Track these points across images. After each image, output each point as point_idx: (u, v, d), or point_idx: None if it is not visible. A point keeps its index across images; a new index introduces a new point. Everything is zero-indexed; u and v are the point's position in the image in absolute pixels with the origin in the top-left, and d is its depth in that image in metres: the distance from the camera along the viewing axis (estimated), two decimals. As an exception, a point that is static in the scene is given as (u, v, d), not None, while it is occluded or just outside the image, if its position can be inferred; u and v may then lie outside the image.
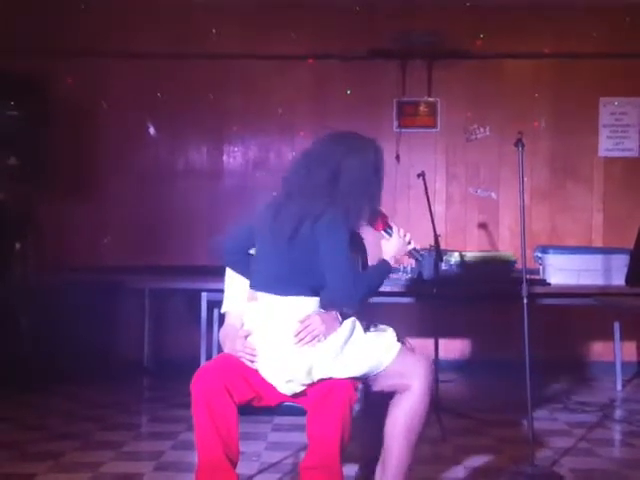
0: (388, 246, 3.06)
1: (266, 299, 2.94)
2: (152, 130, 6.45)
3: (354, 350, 2.88)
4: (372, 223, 3.04)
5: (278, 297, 2.90)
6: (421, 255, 3.23)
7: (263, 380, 2.99)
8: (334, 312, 2.92)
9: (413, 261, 5.03)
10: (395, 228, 3.06)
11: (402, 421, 2.88)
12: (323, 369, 2.84)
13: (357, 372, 2.88)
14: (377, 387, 2.97)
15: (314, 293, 2.91)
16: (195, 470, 2.91)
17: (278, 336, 2.87)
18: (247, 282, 3.30)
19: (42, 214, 5.95)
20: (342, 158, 2.94)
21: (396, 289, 5.25)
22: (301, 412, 2.94)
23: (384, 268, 3.02)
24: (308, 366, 2.83)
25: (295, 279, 2.89)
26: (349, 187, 2.90)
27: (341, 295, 2.86)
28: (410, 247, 3.10)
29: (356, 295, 2.88)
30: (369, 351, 2.89)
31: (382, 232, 3.06)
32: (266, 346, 2.90)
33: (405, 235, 3.07)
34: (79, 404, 5.13)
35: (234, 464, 2.90)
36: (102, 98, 6.38)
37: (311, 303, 2.90)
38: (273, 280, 2.92)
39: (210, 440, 2.85)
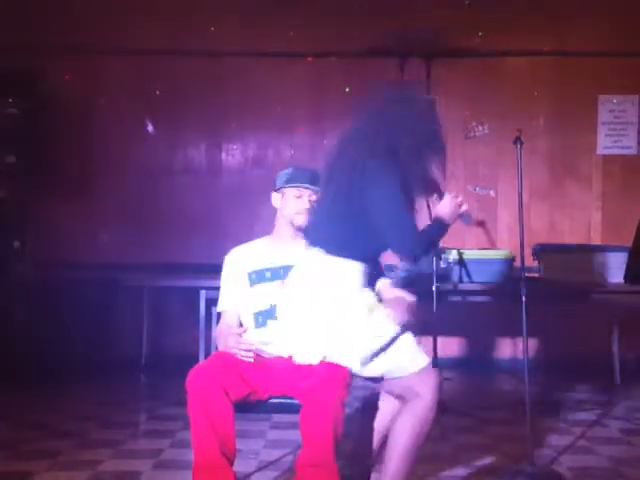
0: (441, 208, 3.02)
1: (315, 253, 2.92)
2: (151, 128, 6.44)
3: (383, 353, 2.86)
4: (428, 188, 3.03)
5: (327, 255, 2.89)
6: (470, 220, 3.19)
7: (258, 375, 3.00)
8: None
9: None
10: (447, 191, 3.04)
11: (409, 428, 2.86)
12: (340, 357, 2.82)
13: (372, 373, 2.87)
14: (386, 388, 2.95)
15: (361, 259, 2.89)
16: (192, 468, 2.91)
17: (317, 299, 2.86)
18: (244, 282, 3.32)
19: (40, 212, 5.96)
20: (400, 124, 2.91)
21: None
22: (300, 410, 2.93)
23: (442, 225, 2.98)
24: (324, 349, 2.82)
25: (345, 243, 2.88)
26: (411, 153, 2.88)
27: (402, 249, 2.86)
28: (463, 209, 3.07)
29: (417, 249, 2.86)
30: (395, 357, 2.87)
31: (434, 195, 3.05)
32: (302, 301, 2.89)
33: (457, 197, 3.05)
34: (77, 402, 5.13)
35: (231, 462, 2.90)
36: (101, 95, 6.38)
37: (357, 267, 2.88)
38: (323, 239, 2.92)
39: (206, 438, 2.85)
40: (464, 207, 3.08)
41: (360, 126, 2.97)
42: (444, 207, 3.01)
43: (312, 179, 3.31)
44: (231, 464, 2.91)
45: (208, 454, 2.86)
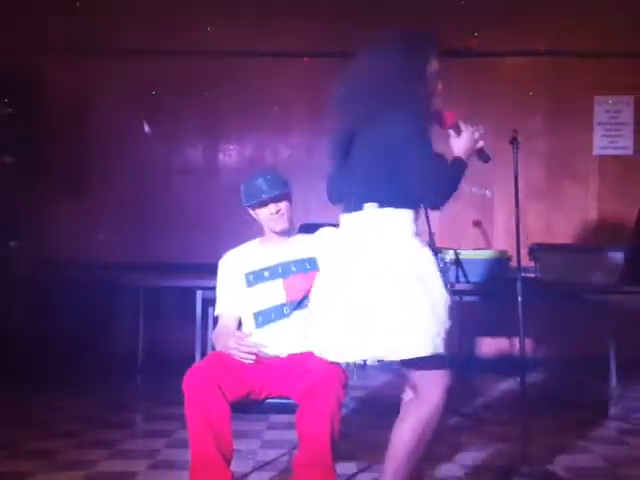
0: (457, 144, 2.94)
1: (367, 210, 2.84)
2: (147, 128, 6.44)
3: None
4: (439, 121, 2.94)
5: (379, 209, 2.81)
6: (489, 156, 3.12)
7: (254, 375, 3.01)
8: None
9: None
10: (464, 125, 2.95)
11: (412, 429, 2.82)
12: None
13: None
14: (406, 371, 2.86)
15: (406, 205, 2.83)
16: (189, 468, 2.92)
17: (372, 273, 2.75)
18: (241, 283, 3.31)
19: (37, 212, 5.96)
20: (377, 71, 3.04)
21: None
22: (296, 410, 2.94)
23: (460, 164, 2.89)
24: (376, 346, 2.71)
25: (381, 191, 2.82)
26: (393, 93, 2.90)
27: (422, 191, 2.77)
28: (479, 145, 2.99)
29: (437, 192, 2.77)
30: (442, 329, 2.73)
31: (450, 130, 2.96)
32: (359, 265, 2.78)
33: (474, 133, 2.96)
34: (73, 402, 5.13)
35: (228, 461, 2.91)
36: (100, 95, 6.38)
37: (405, 215, 2.82)
38: (374, 192, 2.84)
39: (203, 438, 2.86)
40: (481, 143, 2.99)
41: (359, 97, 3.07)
42: (460, 142, 2.93)
43: (268, 187, 3.28)
44: (228, 464, 2.91)
45: (205, 454, 2.87)
